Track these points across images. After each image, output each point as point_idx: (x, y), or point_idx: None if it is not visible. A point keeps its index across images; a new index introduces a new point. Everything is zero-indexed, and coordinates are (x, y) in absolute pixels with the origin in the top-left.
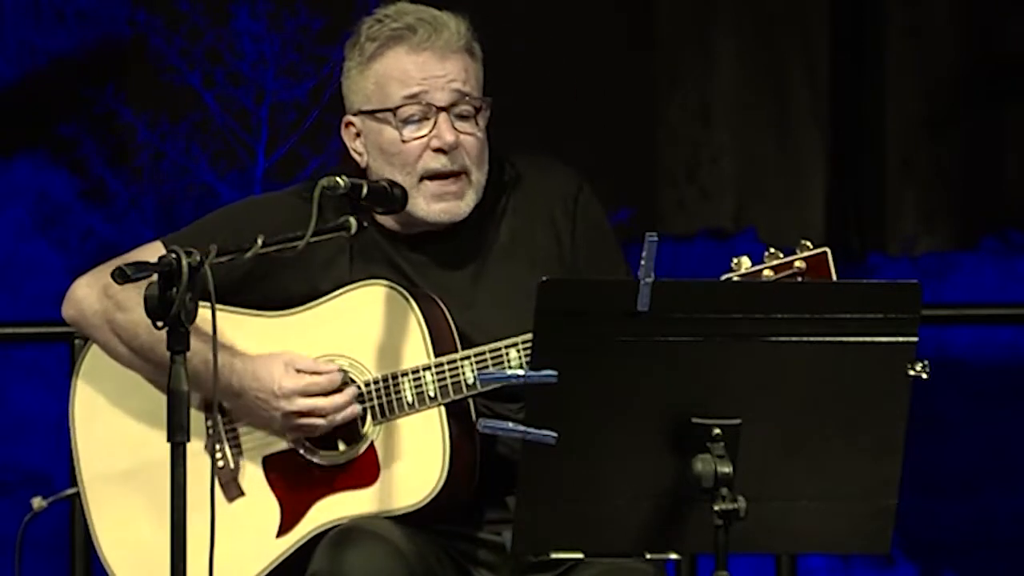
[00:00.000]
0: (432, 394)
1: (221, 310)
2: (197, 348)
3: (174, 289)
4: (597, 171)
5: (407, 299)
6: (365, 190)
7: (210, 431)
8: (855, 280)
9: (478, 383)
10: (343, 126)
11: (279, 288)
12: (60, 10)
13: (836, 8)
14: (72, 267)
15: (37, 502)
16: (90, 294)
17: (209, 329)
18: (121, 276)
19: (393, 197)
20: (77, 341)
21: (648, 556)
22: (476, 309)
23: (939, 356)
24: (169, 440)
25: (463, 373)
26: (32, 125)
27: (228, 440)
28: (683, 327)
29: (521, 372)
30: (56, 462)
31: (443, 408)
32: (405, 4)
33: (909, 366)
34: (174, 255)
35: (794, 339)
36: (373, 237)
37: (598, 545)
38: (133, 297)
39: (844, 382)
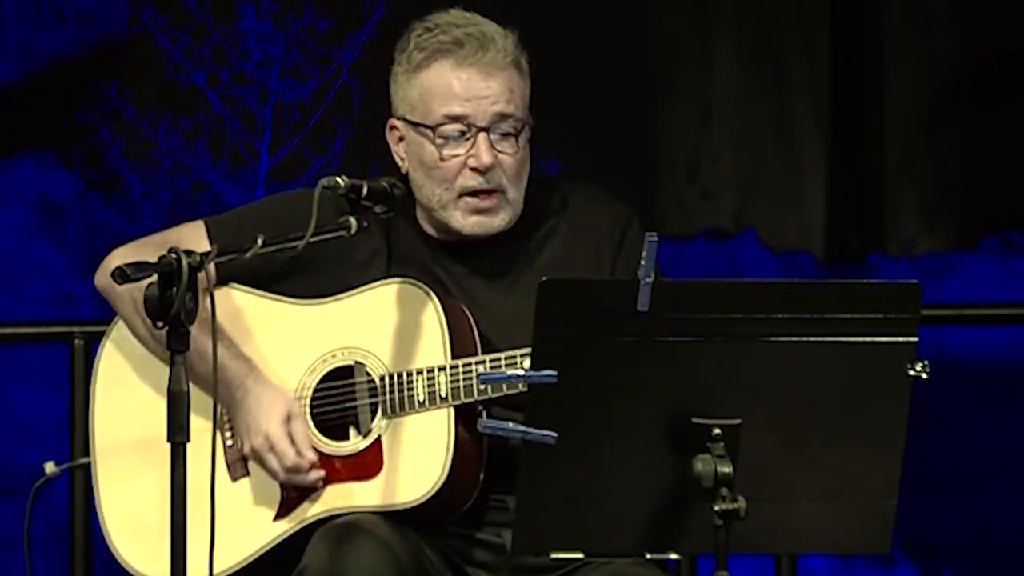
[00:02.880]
0: (443, 394)
1: (252, 293)
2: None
3: (174, 289)
4: (597, 171)
5: (433, 300)
6: (365, 190)
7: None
8: (855, 280)
9: (488, 387)
10: (388, 128)
11: (315, 285)
12: (60, 10)
13: (836, 8)
14: (73, 267)
15: (50, 467)
16: None
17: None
18: (121, 276)
19: (393, 197)
20: (77, 341)
21: (648, 556)
22: (504, 321)
23: (939, 356)
24: (169, 440)
25: (476, 377)
26: (32, 125)
27: None
28: (683, 327)
29: (521, 372)
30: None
31: (453, 410)
32: (457, 14)
33: (909, 366)
34: (174, 255)
35: (794, 339)
36: (414, 242)
37: (598, 545)
38: None
39: (844, 382)
